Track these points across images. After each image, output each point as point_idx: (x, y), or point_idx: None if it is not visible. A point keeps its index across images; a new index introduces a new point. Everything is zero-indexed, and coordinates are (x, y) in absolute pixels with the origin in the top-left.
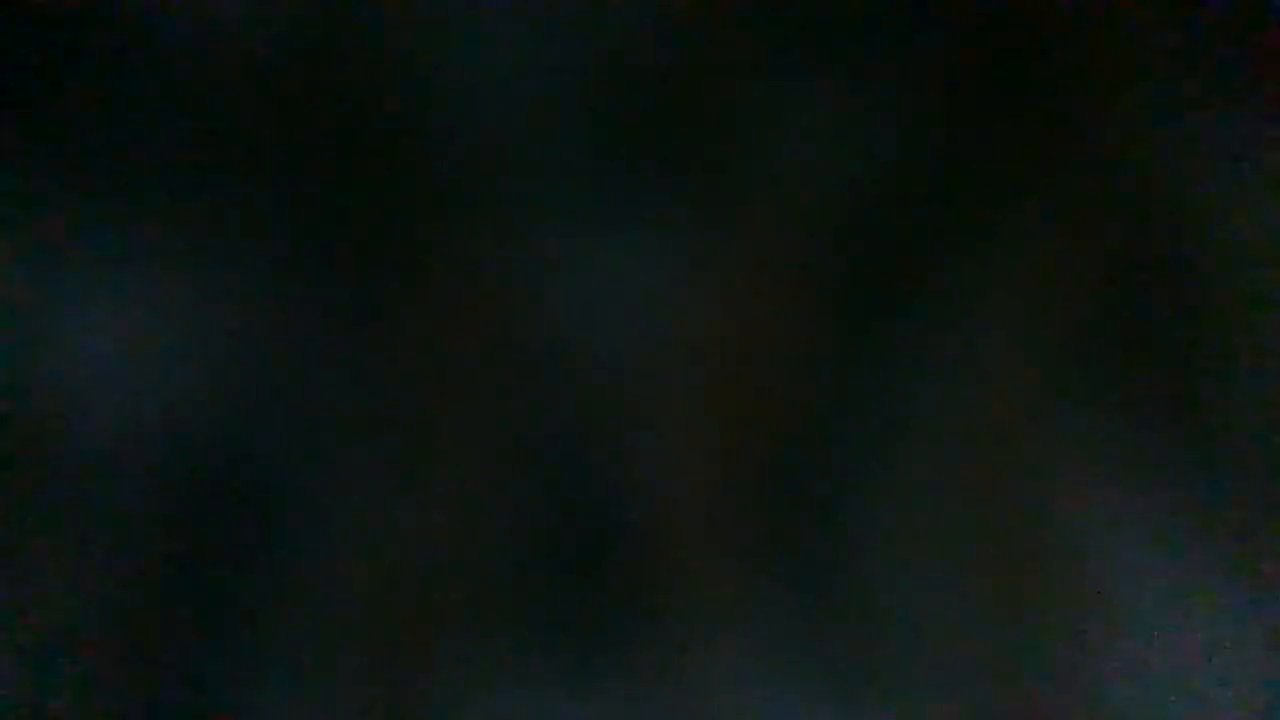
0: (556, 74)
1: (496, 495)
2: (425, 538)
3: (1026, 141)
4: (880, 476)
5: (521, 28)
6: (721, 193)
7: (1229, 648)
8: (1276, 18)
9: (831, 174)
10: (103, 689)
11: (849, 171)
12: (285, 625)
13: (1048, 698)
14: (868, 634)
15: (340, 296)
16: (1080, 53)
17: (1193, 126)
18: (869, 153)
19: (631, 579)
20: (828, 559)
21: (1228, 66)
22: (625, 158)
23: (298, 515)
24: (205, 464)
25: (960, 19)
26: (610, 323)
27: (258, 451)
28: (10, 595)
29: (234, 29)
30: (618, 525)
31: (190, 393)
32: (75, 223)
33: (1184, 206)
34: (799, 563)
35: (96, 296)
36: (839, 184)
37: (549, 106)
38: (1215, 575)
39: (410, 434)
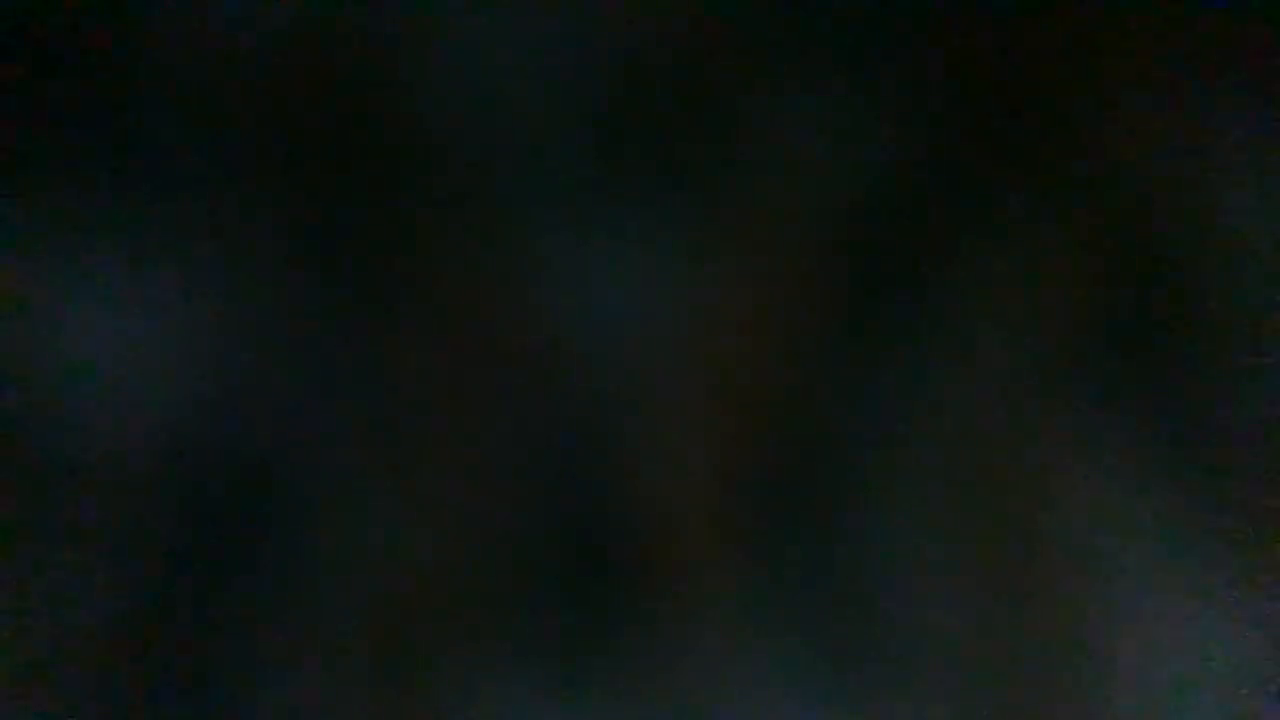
0: (556, 73)
1: (496, 496)
2: (424, 538)
3: (1026, 141)
4: (880, 476)
5: (521, 27)
6: (722, 193)
7: (1229, 649)
8: (1277, 17)
9: (832, 174)
10: (104, 689)
11: (849, 172)
12: (285, 626)
13: (1048, 698)
14: (868, 634)
15: (340, 296)
16: (1080, 52)
17: (1193, 126)
18: (869, 153)
19: (631, 579)
20: (828, 559)
21: (1227, 66)
22: (626, 157)
23: (298, 516)
24: (204, 465)
25: (960, 19)
26: (610, 323)
27: (258, 452)
28: (11, 595)
29: (234, 29)
30: (618, 525)
31: (188, 393)
32: (76, 223)
33: (1184, 206)
34: (799, 563)
35: (96, 296)
36: (839, 184)
37: (549, 105)
38: (1215, 575)
39: (410, 434)
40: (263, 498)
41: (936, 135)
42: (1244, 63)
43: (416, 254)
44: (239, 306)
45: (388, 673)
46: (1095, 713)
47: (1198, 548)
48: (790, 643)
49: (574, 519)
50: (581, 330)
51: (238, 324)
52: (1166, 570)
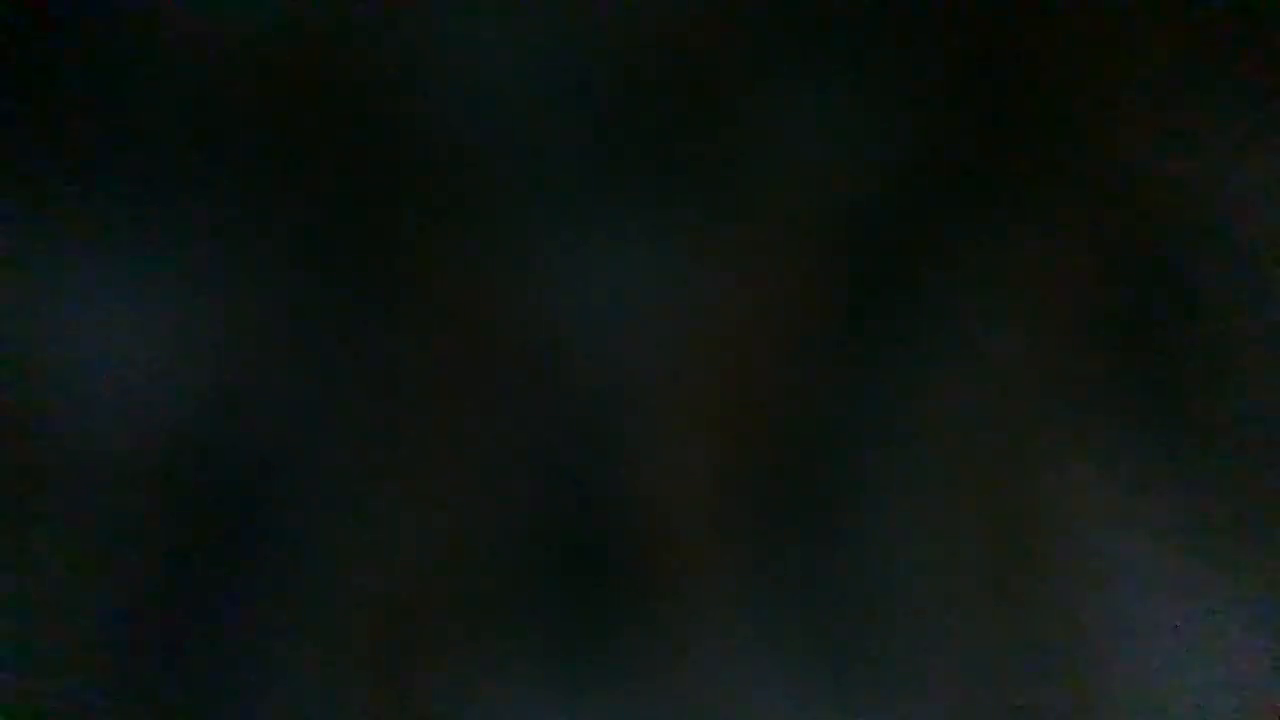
0: (557, 73)
1: (497, 495)
2: (425, 538)
3: (1027, 141)
4: (880, 476)
5: (521, 27)
6: (722, 193)
7: (1229, 648)
8: (1276, 18)
9: (832, 174)
10: (105, 686)
11: (849, 172)
12: (285, 625)
13: (1048, 698)
14: (868, 633)
15: (340, 297)
16: (1080, 53)
17: (1193, 126)
18: (869, 152)
19: (632, 579)
20: (828, 559)
21: (1228, 66)
22: (626, 157)
23: (298, 515)
24: (204, 464)
25: (960, 19)
26: (610, 323)
27: (258, 451)
28: (11, 595)
29: (234, 29)
30: (618, 525)
31: (189, 393)
32: (75, 223)
33: (1184, 206)
34: (799, 562)
35: (96, 296)
36: (839, 184)
37: (549, 105)
38: (1215, 575)
39: (410, 434)
40: (263, 497)
41: (937, 135)
42: (1244, 63)
43: (417, 254)
44: (239, 306)
45: (388, 672)
46: (1095, 712)
47: (1197, 548)
48: (790, 643)
49: (574, 519)
50: (582, 330)
51: (239, 324)
52: (1166, 570)
